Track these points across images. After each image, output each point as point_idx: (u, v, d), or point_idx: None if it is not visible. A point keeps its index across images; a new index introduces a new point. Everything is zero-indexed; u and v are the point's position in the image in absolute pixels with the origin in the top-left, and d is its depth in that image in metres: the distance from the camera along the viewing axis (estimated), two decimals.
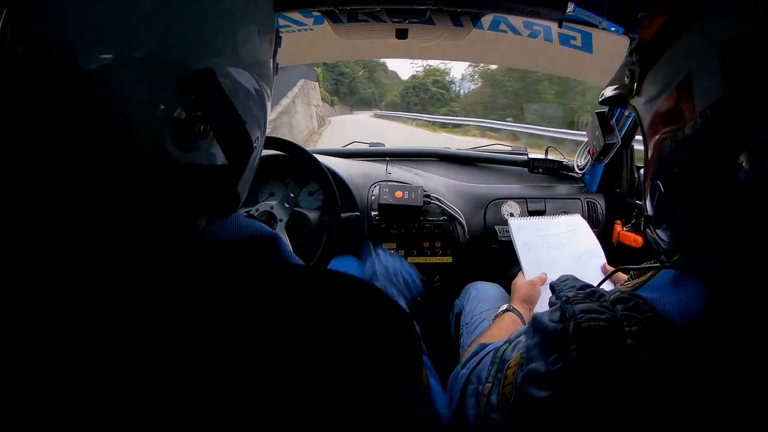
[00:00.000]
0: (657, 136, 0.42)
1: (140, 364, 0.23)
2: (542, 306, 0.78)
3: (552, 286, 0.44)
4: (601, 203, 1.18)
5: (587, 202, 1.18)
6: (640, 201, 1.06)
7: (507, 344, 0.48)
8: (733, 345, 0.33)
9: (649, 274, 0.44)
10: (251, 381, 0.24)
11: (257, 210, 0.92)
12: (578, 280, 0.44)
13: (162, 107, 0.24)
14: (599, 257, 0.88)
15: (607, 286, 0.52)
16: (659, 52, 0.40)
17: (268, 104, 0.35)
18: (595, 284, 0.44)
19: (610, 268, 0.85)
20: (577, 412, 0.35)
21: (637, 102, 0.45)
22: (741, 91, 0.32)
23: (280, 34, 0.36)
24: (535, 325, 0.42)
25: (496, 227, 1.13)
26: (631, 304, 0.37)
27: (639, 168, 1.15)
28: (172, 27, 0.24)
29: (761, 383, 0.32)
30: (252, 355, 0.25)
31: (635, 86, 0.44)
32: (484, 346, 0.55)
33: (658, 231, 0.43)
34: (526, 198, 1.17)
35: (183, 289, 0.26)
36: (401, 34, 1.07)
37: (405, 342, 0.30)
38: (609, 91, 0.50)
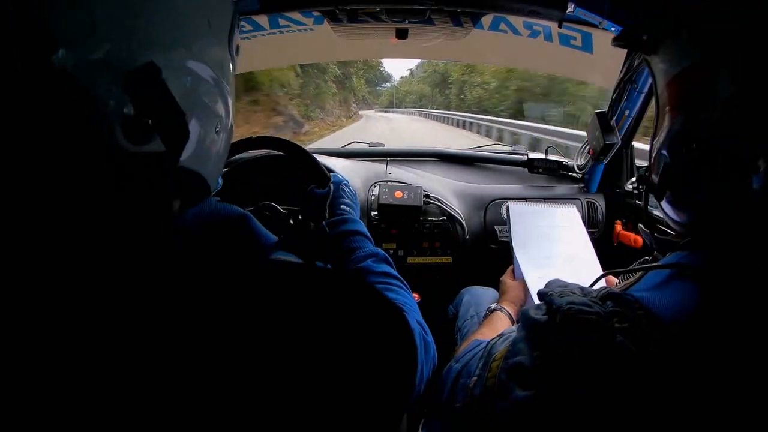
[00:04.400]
0: (668, 107, 0.39)
1: (117, 356, 0.23)
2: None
3: (540, 293, 0.42)
4: (601, 203, 1.18)
5: (587, 202, 1.18)
6: (640, 201, 1.05)
7: (498, 338, 0.48)
8: (725, 343, 0.32)
9: (638, 275, 0.43)
10: (223, 367, 0.24)
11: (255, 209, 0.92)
12: (564, 281, 0.43)
13: (112, 102, 0.24)
14: (591, 258, 0.88)
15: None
16: (683, 21, 0.36)
17: (229, 88, 0.35)
18: (586, 286, 0.43)
19: (601, 271, 0.84)
20: (559, 410, 0.34)
21: (653, 60, 0.41)
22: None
23: (239, 17, 0.36)
24: (523, 319, 0.41)
25: (496, 227, 1.13)
26: (621, 300, 0.35)
27: (639, 168, 1.15)
28: (126, 26, 0.24)
29: (753, 381, 0.31)
30: (229, 344, 0.25)
31: (652, 44, 0.40)
32: (480, 342, 0.54)
33: (661, 204, 0.41)
34: (526, 198, 1.17)
35: (159, 279, 0.26)
36: (401, 34, 1.07)
37: (389, 330, 0.30)
38: (623, 34, 0.45)
